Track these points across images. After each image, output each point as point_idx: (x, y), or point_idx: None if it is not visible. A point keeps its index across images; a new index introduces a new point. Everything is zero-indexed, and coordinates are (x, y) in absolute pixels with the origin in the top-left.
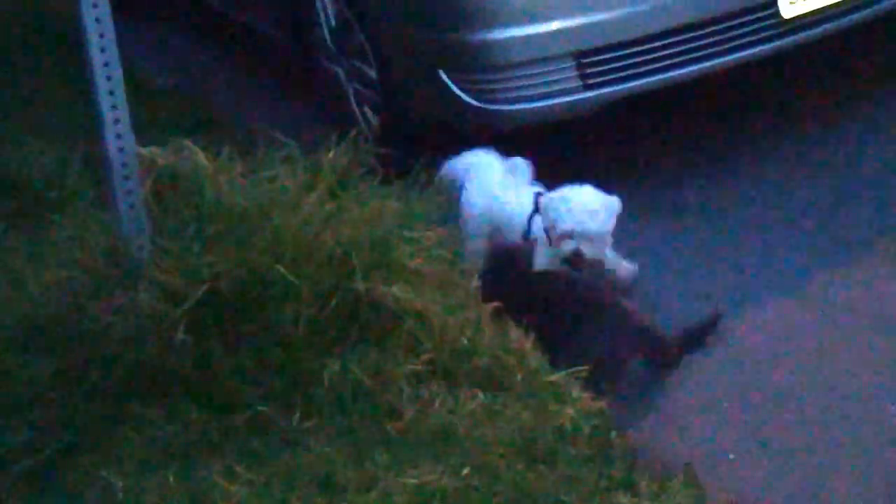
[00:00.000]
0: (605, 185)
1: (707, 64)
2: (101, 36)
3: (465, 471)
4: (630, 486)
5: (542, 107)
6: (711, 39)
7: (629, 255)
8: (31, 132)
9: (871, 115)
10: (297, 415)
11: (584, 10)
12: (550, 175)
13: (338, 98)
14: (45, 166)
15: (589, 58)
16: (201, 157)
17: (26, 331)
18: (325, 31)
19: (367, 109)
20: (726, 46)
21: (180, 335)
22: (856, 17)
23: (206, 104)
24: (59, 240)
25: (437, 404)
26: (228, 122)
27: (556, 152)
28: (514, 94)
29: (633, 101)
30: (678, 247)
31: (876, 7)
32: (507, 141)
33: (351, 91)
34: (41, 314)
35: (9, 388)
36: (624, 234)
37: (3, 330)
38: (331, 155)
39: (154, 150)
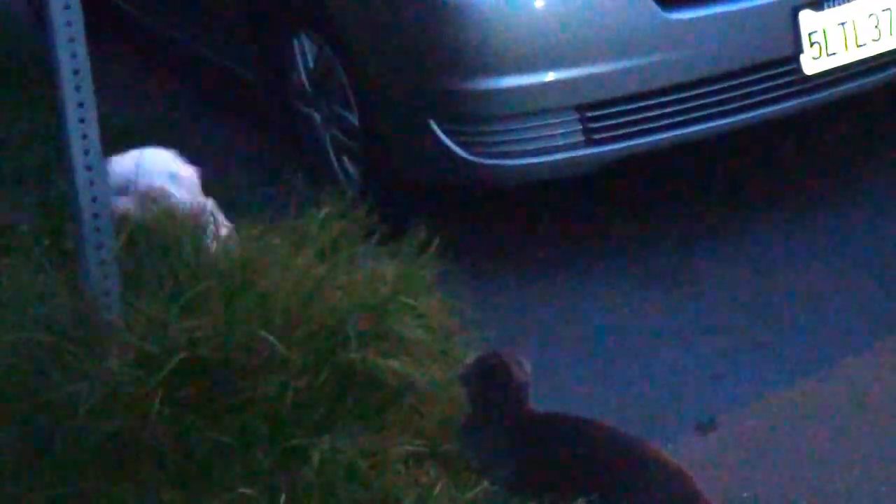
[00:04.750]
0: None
1: (722, 122)
2: (76, 73)
3: None
4: None
5: (542, 162)
6: (726, 95)
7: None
8: None
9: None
10: (283, 498)
11: (590, 60)
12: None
13: (314, 146)
14: None
15: (593, 111)
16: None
17: None
18: (303, 72)
19: (346, 159)
20: (743, 104)
21: (155, 406)
22: (884, 75)
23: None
24: (12, 294)
25: (437, 490)
26: (208, 171)
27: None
28: (511, 149)
29: (637, 161)
30: (686, 320)
31: None
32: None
33: (328, 138)
34: None
35: None
36: (622, 304)
37: None
38: (322, 211)
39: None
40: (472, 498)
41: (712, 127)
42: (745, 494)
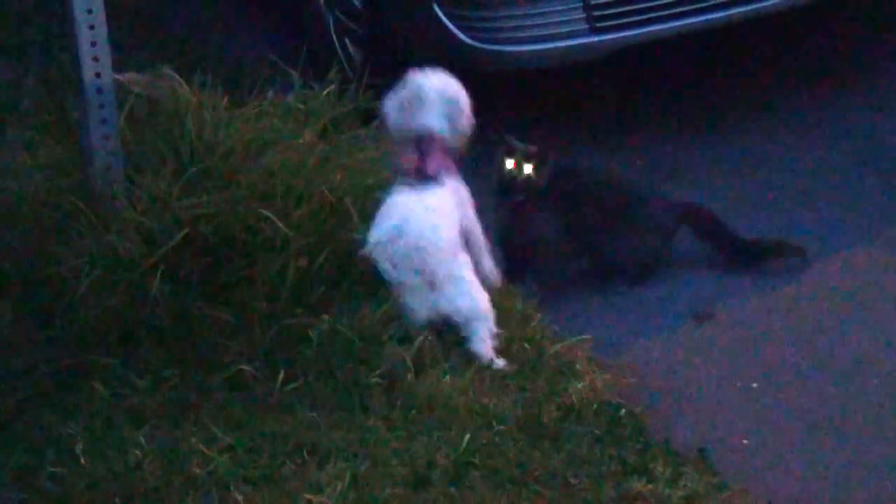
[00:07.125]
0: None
1: (725, 13)
2: None
3: (464, 444)
4: (643, 471)
5: (544, 49)
6: None
7: None
8: None
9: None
10: (282, 375)
11: None
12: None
13: (317, 28)
14: None
15: None
16: (184, 88)
17: None
18: None
19: (348, 42)
20: None
21: (156, 283)
22: None
23: (181, 29)
24: (14, 169)
25: (434, 370)
26: (210, 51)
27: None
28: (514, 34)
29: (639, 52)
30: None
31: None
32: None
33: (331, 21)
34: None
35: None
36: None
37: None
38: (325, 93)
39: (131, 76)
40: (467, 379)
41: (714, 18)
42: (738, 384)
